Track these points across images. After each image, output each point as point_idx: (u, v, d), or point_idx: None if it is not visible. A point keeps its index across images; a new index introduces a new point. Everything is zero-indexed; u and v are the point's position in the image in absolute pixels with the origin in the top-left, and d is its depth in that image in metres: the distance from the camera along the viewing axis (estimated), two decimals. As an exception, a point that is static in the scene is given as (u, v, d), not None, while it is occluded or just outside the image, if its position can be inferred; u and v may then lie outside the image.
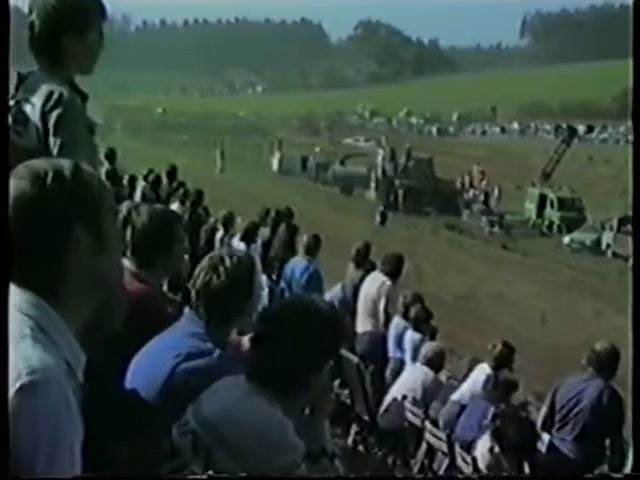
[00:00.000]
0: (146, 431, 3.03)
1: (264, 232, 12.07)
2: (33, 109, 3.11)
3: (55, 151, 3.06)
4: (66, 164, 1.82)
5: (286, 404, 2.80)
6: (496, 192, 46.89)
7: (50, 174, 1.76)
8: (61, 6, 3.18)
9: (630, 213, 37.10)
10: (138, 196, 13.67)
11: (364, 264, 10.31)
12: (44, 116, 3.12)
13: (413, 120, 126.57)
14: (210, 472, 2.64)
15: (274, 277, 10.94)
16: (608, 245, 35.95)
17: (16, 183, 1.74)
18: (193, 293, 3.26)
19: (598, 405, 7.02)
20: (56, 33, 3.18)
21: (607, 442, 7.14)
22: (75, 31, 3.21)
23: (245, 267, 3.24)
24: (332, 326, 2.91)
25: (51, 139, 3.10)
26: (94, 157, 3.40)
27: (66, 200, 1.76)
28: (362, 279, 10.01)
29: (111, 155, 13.76)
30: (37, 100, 3.10)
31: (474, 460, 6.77)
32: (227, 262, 3.22)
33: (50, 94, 3.13)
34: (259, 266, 3.44)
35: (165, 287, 4.93)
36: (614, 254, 35.23)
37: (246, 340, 3.61)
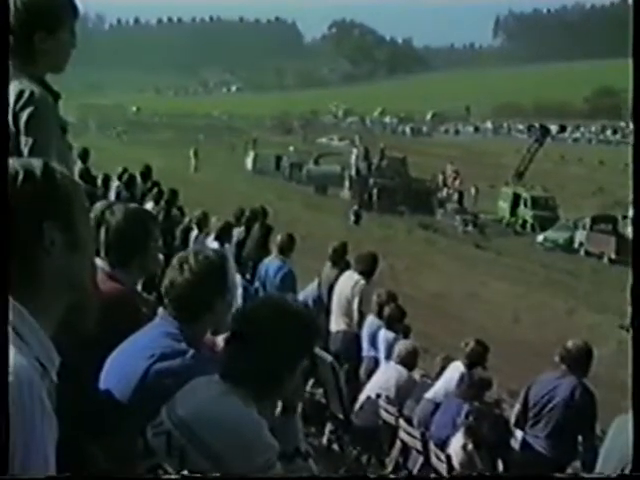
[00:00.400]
0: (120, 431, 3.02)
1: (238, 232, 12.07)
2: None
3: (26, 151, 3.04)
4: (37, 163, 1.81)
5: (260, 404, 2.80)
6: (473, 192, 47.00)
7: (21, 174, 1.75)
8: (32, 4, 3.16)
9: (603, 212, 37.69)
10: (112, 196, 13.62)
11: (340, 263, 10.32)
12: (15, 115, 3.09)
13: (387, 119, 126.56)
14: (184, 472, 2.64)
15: (248, 276, 10.94)
16: (581, 243, 36.21)
17: None
18: (163, 292, 3.27)
19: (571, 402, 7.06)
20: (27, 31, 3.15)
21: (580, 439, 7.19)
22: (46, 29, 3.19)
23: (212, 264, 3.23)
24: (306, 326, 2.92)
25: (22, 139, 3.08)
26: (67, 156, 3.38)
27: (38, 200, 1.75)
28: (338, 278, 10.02)
29: (84, 154, 13.72)
30: None
31: (448, 458, 6.80)
32: (191, 260, 3.22)
33: (21, 93, 3.10)
34: (232, 264, 3.43)
35: (140, 287, 4.90)
36: (587, 252, 35.52)
37: (220, 340, 3.61)
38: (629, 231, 28.17)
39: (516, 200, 42.89)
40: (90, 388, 3.14)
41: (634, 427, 2.82)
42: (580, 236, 36.42)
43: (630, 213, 17.28)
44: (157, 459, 2.75)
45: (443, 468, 6.80)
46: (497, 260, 32.24)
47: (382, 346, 9.29)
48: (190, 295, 3.18)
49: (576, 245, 36.41)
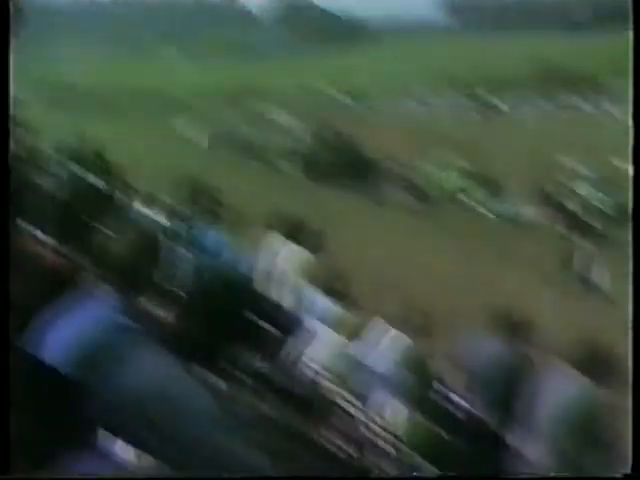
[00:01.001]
0: (63, 406, 3.03)
1: (182, 204, 12.04)
2: None
3: None
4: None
5: (206, 375, 2.88)
6: (425, 167, 46.75)
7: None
8: None
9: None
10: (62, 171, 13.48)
11: (287, 236, 10.31)
12: None
13: (335, 94, 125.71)
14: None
15: (190, 248, 10.92)
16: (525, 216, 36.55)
17: None
18: (104, 265, 3.33)
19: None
20: None
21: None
22: None
23: (147, 237, 3.32)
24: (251, 299, 3.03)
25: None
26: None
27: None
28: (282, 251, 10.05)
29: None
30: None
31: (387, 424, 6.95)
32: (129, 233, 3.31)
33: None
34: (171, 238, 3.51)
35: (83, 262, 4.95)
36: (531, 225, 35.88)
37: (163, 312, 3.68)
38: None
39: (465, 173, 43.03)
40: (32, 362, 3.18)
41: (633, 427, 2.85)
42: (527, 209, 36.78)
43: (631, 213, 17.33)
44: (99, 433, 2.78)
45: (385, 435, 6.91)
46: (446, 233, 32.40)
47: (323, 316, 9.37)
48: (126, 267, 3.22)
49: (522, 217, 36.73)
